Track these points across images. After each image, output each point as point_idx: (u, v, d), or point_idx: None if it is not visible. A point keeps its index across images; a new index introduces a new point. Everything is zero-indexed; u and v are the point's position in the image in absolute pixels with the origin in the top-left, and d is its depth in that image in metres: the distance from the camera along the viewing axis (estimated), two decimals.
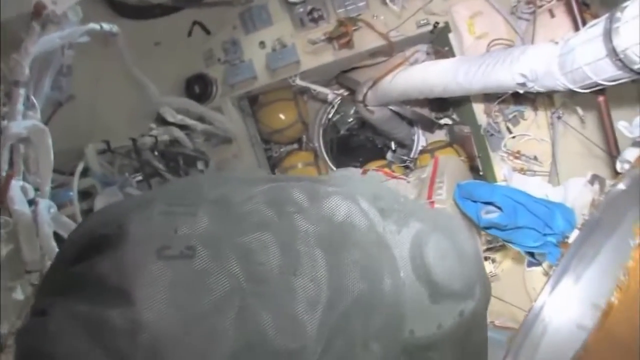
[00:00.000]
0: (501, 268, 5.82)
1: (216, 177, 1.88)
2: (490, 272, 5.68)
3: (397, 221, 1.64)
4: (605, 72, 2.95)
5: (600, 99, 3.67)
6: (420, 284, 1.59)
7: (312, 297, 1.38)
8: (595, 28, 2.96)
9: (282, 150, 7.00)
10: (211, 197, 1.47)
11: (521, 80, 3.73)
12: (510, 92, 4.19)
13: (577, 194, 3.99)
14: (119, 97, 5.08)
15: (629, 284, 1.95)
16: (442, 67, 4.57)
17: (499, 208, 3.67)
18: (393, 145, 7.52)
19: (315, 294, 1.38)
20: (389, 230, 1.61)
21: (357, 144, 8.05)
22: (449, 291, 1.62)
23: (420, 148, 7.18)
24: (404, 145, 7.44)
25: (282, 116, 6.63)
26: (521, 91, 3.91)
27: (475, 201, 3.85)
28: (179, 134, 5.14)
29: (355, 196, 1.60)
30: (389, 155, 7.42)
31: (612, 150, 3.81)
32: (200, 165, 5.31)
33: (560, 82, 3.41)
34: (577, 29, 3.66)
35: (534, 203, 3.68)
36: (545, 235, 3.72)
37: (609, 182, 3.69)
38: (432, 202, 4.52)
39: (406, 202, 1.82)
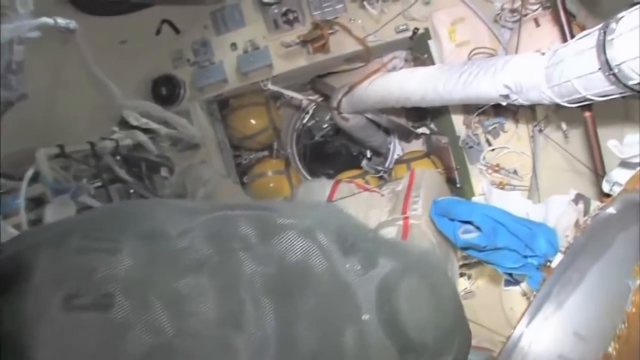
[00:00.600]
0: (477, 285, 5.61)
1: (149, 204, 1.64)
2: (465, 288, 5.47)
3: (363, 260, 1.38)
4: (596, 87, 2.72)
5: (587, 114, 3.46)
6: (387, 336, 1.32)
7: (256, 356, 1.11)
8: (587, 39, 2.73)
9: (251, 157, 6.72)
10: (140, 230, 1.20)
11: (504, 91, 3.50)
12: (492, 103, 3.95)
13: (559, 213, 3.78)
14: (79, 98, 4.76)
15: (629, 333, 1.70)
16: (421, 75, 4.33)
17: (478, 228, 3.43)
18: (368, 154, 7.34)
19: (259, 353, 1.12)
20: (354, 271, 1.36)
21: (332, 151, 7.87)
22: (422, 346, 1.36)
23: (395, 157, 6.97)
24: (380, 153, 7.26)
25: (252, 121, 6.35)
26: (504, 103, 3.68)
27: (452, 219, 3.60)
28: (142, 137, 4.83)
29: (314, 231, 1.34)
30: (364, 163, 7.21)
31: (597, 168, 3.60)
32: (164, 171, 5.00)
33: (546, 95, 3.18)
34: (564, 39, 3.43)
35: (514, 223, 3.44)
36: (525, 257, 3.50)
37: (594, 202, 3.47)
38: (407, 218, 4.28)
39: (375, 237, 1.56)
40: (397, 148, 7.08)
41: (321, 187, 4.68)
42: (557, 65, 3.02)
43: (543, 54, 3.22)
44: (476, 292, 5.61)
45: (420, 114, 6.13)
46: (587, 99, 2.90)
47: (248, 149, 6.76)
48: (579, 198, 3.55)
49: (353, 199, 4.52)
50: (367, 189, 4.70)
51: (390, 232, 4.18)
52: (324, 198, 4.54)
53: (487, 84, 3.68)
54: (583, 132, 3.89)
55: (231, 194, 4.75)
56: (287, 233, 1.28)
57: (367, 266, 1.37)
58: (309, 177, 7.29)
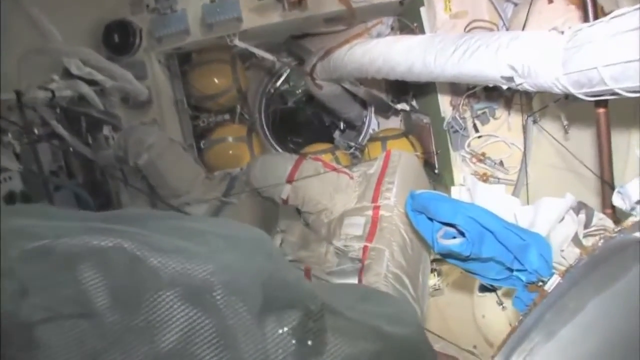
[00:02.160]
0: (447, 282, 5.14)
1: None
2: (434, 285, 4.98)
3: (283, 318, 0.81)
4: (631, 79, 2.17)
5: (601, 110, 2.92)
6: None
7: None
8: (626, 19, 2.17)
9: (211, 120, 6.07)
10: None
11: (508, 73, 2.94)
12: (489, 85, 3.39)
13: (552, 220, 3.28)
14: (11, 40, 4.04)
15: None
16: (409, 45, 3.75)
17: (461, 233, 2.89)
18: (342, 125, 6.88)
19: None
20: (273, 338, 0.79)
21: (303, 120, 7.48)
22: None
23: (370, 132, 6.48)
24: (354, 126, 6.77)
25: (215, 80, 5.77)
26: (504, 87, 3.13)
27: (431, 219, 3.05)
28: (85, 89, 4.17)
29: (213, 285, 0.76)
30: (336, 134, 6.81)
31: (604, 174, 3.08)
32: (106, 130, 4.35)
33: (560, 83, 2.63)
34: (586, 19, 2.86)
35: (504, 230, 2.92)
36: (511, 270, 2.99)
37: (597, 214, 2.96)
38: (377, 208, 3.74)
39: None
40: (372, 122, 6.57)
41: (282, 162, 4.10)
42: (580, 49, 2.45)
43: (561, 32, 2.65)
44: (445, 291, 5.15)
45: (402, 88, 5.57)
46: (613, 93, 2.35)
47: (208, 111, 6.12)
48: (580, 207, 3.03)
49: (317, 179, 3.95)
50: (335, 169, 4.13)
51: (358, 223, 3.64)
52: (284, 175, 3.97)
53: (487, 62, 3.12)
54: (587, 130, 3.41)
55: (178, 162, 4.14)
56: (163, 297, 0.71)
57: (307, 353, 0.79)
58: (275, 145, 6.78)
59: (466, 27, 4.12)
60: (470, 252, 2.87)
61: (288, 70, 6.63)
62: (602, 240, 2.42)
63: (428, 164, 5.14)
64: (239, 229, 1.04)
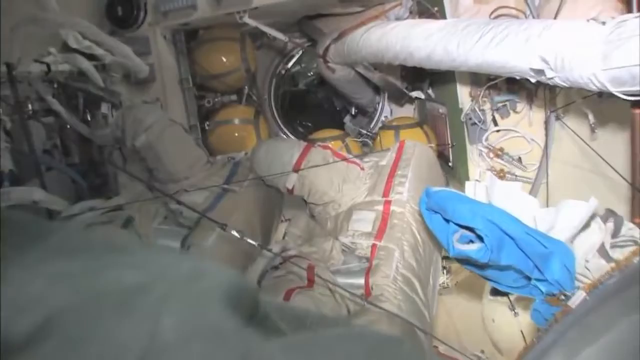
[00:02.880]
0: (456, 280, 4.92)
1: None
2: (443, 283, 4.77)
3: None
4: None
5: (638, 111, 2.66)
6: None
7: None
8: None
9: (217, 100, 5.82)
10: None
11: (539, 65, 2.70)
12: (515, 76, 3.14)
13: (574, 225, 3.06)
14: (5, 9, 3.81)
15: None
16: (430, 29, 3.50)
17: (479, 237, 2.66)
18: (353, 111, 6.63)
19: None
20: None
21: (313, 103, 7.32)
22: None
23: (382, 119, 6.23)
24: (365, 112, 6.53)
25: (223, 59, 5.49)
26: (532, 80, 2.88)
27: (447, 219, 2.83)
28: (84, 64, 3.93)
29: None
30: (347, 119, 6.61)
31: (636, 179, 2.84)
32: (104, 107, 4.12)
33: (597, 79, 2.39)
34: (629, 9, 2.60)
35: (525, 236, 2.69)
36: (529, 278, 2.78)
37: (627, 223, 2.73)
38: (388, 202, 3.51)
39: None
40: (385, 109, 6.32)
41: (289, 148, 3.86)
42: (624, 42, 2.20)
43: (603, 23, 2.40)
44: (453, 290, 4.94)
45: (419, 75, 5.30)
46: None
47: (214, 91, 5.87)
48: (608, 215, 2.80)
49: (325, 168, 3.72)
50: (345, 159, 3.89)
51: (366, 218, 3.42)
52: (290, 163, 3.74)
53: (515, 52, 2.88)
54: (618, 131, 3.19)
55: (178, 145, 3.91)
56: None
57: None
58: (283, 128, 6.59)
59: (491, 13, 3.84)
60: (489, 259, 2.64)
61: (300, 52, 6.37)
62: (638, 258, 2.21)
63: (442, 156, 4.91)
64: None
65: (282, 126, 6.63)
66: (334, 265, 3.23)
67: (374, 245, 3.21)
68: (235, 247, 2.92)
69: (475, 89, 4.25)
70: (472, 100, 4.29)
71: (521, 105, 4.24)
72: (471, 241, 2.82)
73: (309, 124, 7.18)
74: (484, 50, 3.06)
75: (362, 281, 3.05)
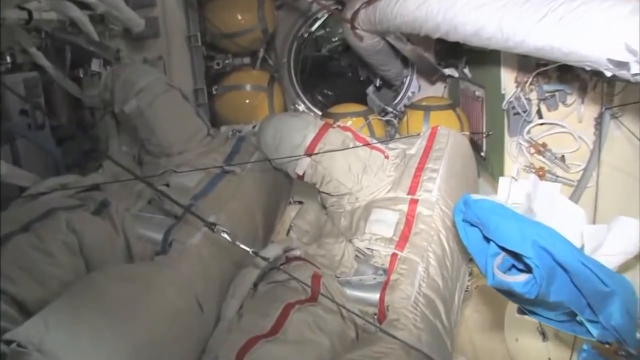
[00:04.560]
0: (477, 284, 4.41)
1: None
2: None
3: None
4: None
5: None
6: None
7: None
8: None
9: (228, 62, 5.26)
10: None
11: (623, 57, 2.14)
12: (583, 65, 2.58)
13: (631, 250, 2.59)
14: None
15: None
16: (483, 2, 2.90)
17: (527, 266, 2.14)
18: (378, 82, 6.11)
19: None
20: None
21: (336, 71, 6.97)
22: None
23: (409, 94, 5.78)
24: (391, 85, 6.05)
25: (238, 16, 5.02)
26: (609, 73, 2.32)
27: (487, 237, 2.30)
28: (75, 13, 3.39)
29: None
30: (370, 90, 6.06)
31: None
32: (95, 64, 3.59)
33: None
34: None
35: (581, 268, 2.18)
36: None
37: None
38: (414, 202, 2.98)
39: None
40: (413, 84, 5.84)
41: (302, 127, 3.28)
42: None
43: None
44: (473, 294, 4.43)
45: (454, 51, 4.73)
46: None
47: (225, 52, 5.32)
48: None
49: (343, 154, 3.19)
50: (367, 144, 3.34)
51: (388, 220, 2.89)
52: (302, 145, 3.19)
53: (592, 37, 2.30)
54: None
55: (174, 114, 3.37)
56: None
57: None
58: (301, 95, 6.15)
59: None
60: (537, 294, 2.12)
61: (326, 15, 5.81)
62: None
63: (473, 145, 4.34)
64: None
65: (300, 93, 6.19)
66: (345, 274, 2.73)
67: (393, 255, 2.69)
68: (226, 249, 2.41)
69: (522, 75, 3.70)
70: (517, 87, 3.74)
71: (572, 98, 3.71)
72: (514, 267, 2.30)
73: (330, 93, 6.83)
74: (549, 31, 2.49)
75: (376, 297, 2.55)
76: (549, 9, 2.49)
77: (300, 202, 4.08)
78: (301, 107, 6.08)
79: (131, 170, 2.21)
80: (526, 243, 2.12)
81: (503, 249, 2.25)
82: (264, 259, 2.32)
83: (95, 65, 3.60)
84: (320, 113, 5.85)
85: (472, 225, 2.42)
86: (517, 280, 2.13)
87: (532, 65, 3.58)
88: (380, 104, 5.74)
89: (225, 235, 2.12)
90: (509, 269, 2.32)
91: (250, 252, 2.16)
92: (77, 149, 3.85)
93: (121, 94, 3.28)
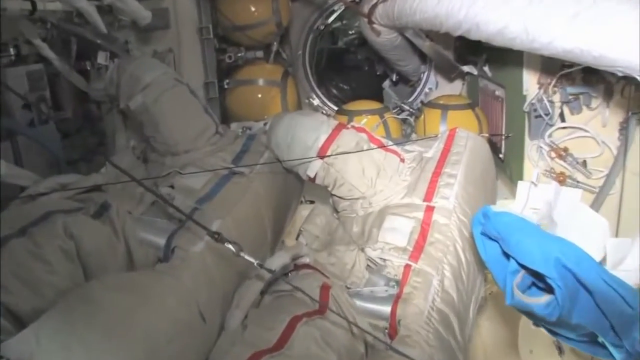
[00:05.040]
0: (491, 290, 4.27)
1: None
2: None
3: None
4: None
5: None
6: None
7: None
8: None
9: (240, 55, 5.11)
10: None
11: None
12: (613, 70, 2.43)
13: None
14: None
15: None
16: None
17: (548, 285, 2.00)
18: (394, 77, 5.96)
19: None
20: None
21: (352, 64, 6.76)
22: None
23: (426, 91, 5.62)
24: (408, 80, 5.88)
25: (252, 8, 4.84)
26: None
27: (506, 253, 2.16)
28: (81, 3, 3.25)
29: None
30: (386, 84, 5.97)
31: None
32: (102, 57, 3.46)
33: None
34: None
35: (606, 288, 2.03)
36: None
37: None
38: (430, 209, 2.84)
39: None
40: (430, 80, 5.66)
41: (315, 127, 3.15)
42: None
43: None
44: (487, 300, 4.29)
45: (474, 48, 4.56)
46: None
47: (238, 45, 5.17)
48: None
49: (357, 156, 3.06)
50: (382, 146, 3.20)
51: (402, 228, 2.75)
52: (315, 146, 3.07)
53: (624, 41, 2.15)
54: None
55: (181, 111, 3.24)
56: None
57: None
58: (315, 88, 5.99)
59: None
60: (559, 316, 1.99)
61: (342, 7, 5.64)
62: None
63: (491, 146, 4.18)
64: None
65: (314, 87, 6.02)
66: (355, 284, 2.59)
67: (407, 267, 2.55)
68: (231, 257, 2.30)
69: (546, 76, 3.56)
70: (539, 88, 3.59)
71: (596, 101, 3.56)
72: (534, 284, 2.16)
73: (345, 87, 6.67)
74: (579, 32, 2.34)
75: (387, 310, 2.41)
76: (580, 9, 2.34)
77: (312, 202, 3.96)
78: (316, 101, 5.93)
79: (129, 173, 2.06)
80: (549, 262, 1.98)
81: (523, 266, 2.11)
82: (270, 271, 2.20)
83: (101, 58, 3.47)
84: (335, 108, 5.76)
85: (491, 238, 2.28)
86: (538, 302, 1.99)
87: (557, 67, 3.44)
88: (396, 99, 5.60)
89: (230, 246, 2.00)
90: (529, 287, 2.18)
91: (255, 264, 2.04)
92: (83, 143, 3.75)
93: (127, 89, 3.16)
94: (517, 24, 2.68)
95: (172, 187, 2.85)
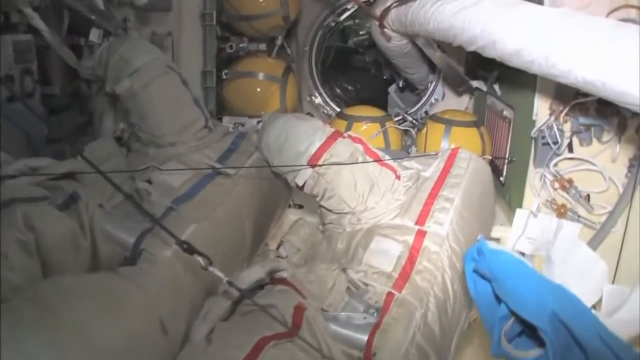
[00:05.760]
0: (475, 316, 4.12)
1: None
2: None
3: None
4: None
5: None
6: None
7: None
8: None
9: (242, 46, 4.91)
10: None
11: None
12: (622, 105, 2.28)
13: None
14: None
15: None
16: (528, 17, 2.59)
17: (541, 339, 1.83)
18: (401, 83, 5.81)
19: None
20: None
21: (360, 65, 6.61)
22: None
23: (432, 101, 5.46)
24: (415, 88, 5.73)
25: None
26: None
27: (498, 297, 1.99)
28: None
29: None
30: (392, 88, 5.82)
31: None
32: (94, 34, 3.27)
33: None
34: None
35: (600, 346, 1.87)
36: None
37: None
38: (421, 234, 2.66)
39: None
40: (438, 91, 5.50)
41: (309, 133, 2.95)
42: None
43: None
44: (472, 325, 4.13)
45: (486, 63, 4.33)
46: None
47: (241, 35, 4.96)
48: None
49: (350, 168, 2.87)
50: (378, 160, 3.02)
51: (389, 252, 2.58)
52: (307, 153, 2.88)
53: None
54: None
55: (169, 101, 3.05)
56: None
57: None
58: (319, 86, 5.82)
59: (610, 13, 2.88)
60: None
61: (355, 7, 5.45)
62: None
63: (493, 167, 4.00)
64: None
65: (318, 85, 5.83)
66: (333, 307, 2.42)
67: (390, 295, 2.37)
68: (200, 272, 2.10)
69: (558, 103, 3.36)
70: (550, 115, 3.40)
71: (608, 135, 3.35)
72: (523, 332, 2.00)
73: (350, 88, 6.51)
74: (604, 64, 2.16)
75: (364, 340, 2.24)
76: (607, 40, 2.16)
77: (301, 207, 3.77)
78: (317, 100, 5.75)
79: (96, 166, 1.86)
80: (544, 314, 1.81)
81: (515, 312, 1.94)
82: (240, 290, 2.02)
83: (94, 35, 3.29)
84: (337, 108, 5.62)
85: (481, 276, 2.11)
86: (526, 356, 1.83)
87: (571, 94, 3.24)
88: (401, 105, 5.47)
89: (200, 259, 1.82)
90: (518, 335, 2.02)
91: (225, 281, 1.86)
92: (71, 122, 3.58)
93: (115, 72, 2.98)
94: (537, 49, 2.50)
95: (149, 182, 2.67)
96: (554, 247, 3.05)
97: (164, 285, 2.20)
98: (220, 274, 1.84)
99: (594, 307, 3.08)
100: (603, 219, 3.43)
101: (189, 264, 2.28)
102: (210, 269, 1.83)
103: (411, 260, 2.52)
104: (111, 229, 2.37)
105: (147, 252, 2.27)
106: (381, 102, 5.71)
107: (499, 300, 2.00)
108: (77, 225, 2.26)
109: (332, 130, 3.06)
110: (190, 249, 1.84)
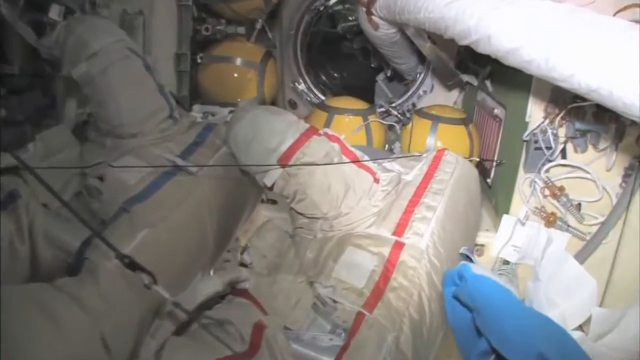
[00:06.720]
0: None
1: None
2: None
3: None
4: None
5: None
6: None
7: None
8: None
9: (219, 28, 4.63)
10: None
11: None
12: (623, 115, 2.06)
13: None
14: None
15: None
16: (529, 12, 2.36)
17: None
18: (389, 72, 5.60)
19: None
20: None
21: (347, 52, 6.26)
22: None
23: (420, 93, 5.25)
24: (403, 78, 5.52)
25: None
26: None
27: (479, 329, 1.77)
28: None
29: None
30: (380, 77, 5.63)
31: None
32: (54, 11, 3.00)
33: None
34: None
35: None
36: None
37: None
38: (399, 246, 2.43)
39: None
40: (426, 83, 5.29)
41: (282, 128, 2.67)
42: None
43: None
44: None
45: (479, 58, 4.11)
46: None
47: (218, 16, 4.67)
48: None
49: (323, 169, 2.61)
50: (356, 161, 2.77)
51: (362, 265, 2.35)
52: (278, 150, 2.60)
53: None
54: None
55: (130, 88, 2.77)
56: None
57: None
58: (303, 72, 5.61)
59: (617, 12, 2.65)
60: None
61: None
62: None
63: (480, 167, 3.79)
64: None
65: (302, 71, 5.61)
66: (297, 324, 2.19)
67: (360, 315, 2.15)
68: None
69: (554, 106, 3.14)
70: (544, 118, 3.19)
71: (605, 142, 3.17)
72: None
73: (336, 75, 6.33)
74: (611, 71, 1.94)
75: None
76: (617, 42, 1.93)
77: (274, 202, 3.51)
78: (301, 86, 5.52)
79: (28, 165, 1.62)
80: (530, 355, 1.60)
81: (496, 350, 1.72)
82: (186, 312, 1.79)
83: (53, 12, 2.99)
84: (321, 96, 5.44)
85: (461, 303, 1.89)
86: None
87: (568, 98, 3.04)
88: (389, 94, 5.33)
89: (144, 277, 1.59)
90: None
91: (169, 301, 1.63)
92: (31, 104, 3.31)
93: (71, 54, 2.71)
94: (537, 49, 2.27)
95: (101, 178, 2.41)
96: (542, 263, 2.84)
97: (108, 298, 1.96)
98: (166, 294, 1.61)
99: (581, 327, 2.91)
100: (594, 229, 3.28)
101: (136, 275, 2.04)
102: (155, 287, 1.60)
103: (386, 275, 2.29)
104: (54, 231, 2.12)
105: (90, 261, 2.02)
106: (368, 90, 5.53)
107: (479, 333, 1.79)
108: (14, 228, 2.00)
109: (307, 126, 2.79)
110: (132, 264, 1.60)
